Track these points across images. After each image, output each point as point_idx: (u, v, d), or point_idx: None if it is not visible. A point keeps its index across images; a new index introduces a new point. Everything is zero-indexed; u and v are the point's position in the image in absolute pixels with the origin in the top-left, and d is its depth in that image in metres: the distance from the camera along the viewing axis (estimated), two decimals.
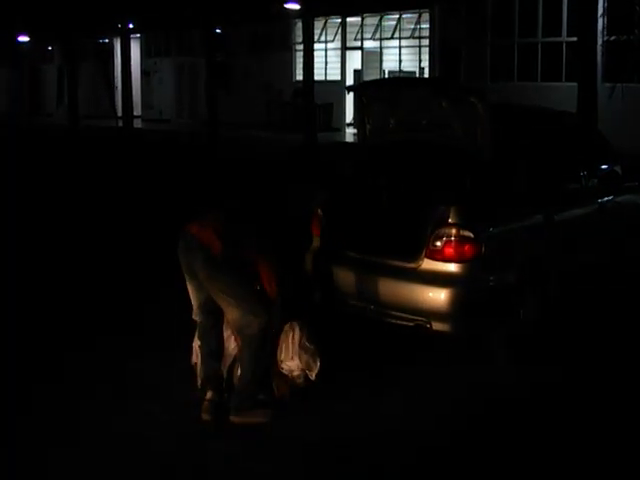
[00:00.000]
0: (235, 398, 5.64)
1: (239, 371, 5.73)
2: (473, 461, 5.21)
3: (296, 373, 5.73)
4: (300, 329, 5.72)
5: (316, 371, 5.71)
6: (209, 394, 5.73)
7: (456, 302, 6.24)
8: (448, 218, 6.28)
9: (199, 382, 5.90)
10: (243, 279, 5.58)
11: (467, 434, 5.56)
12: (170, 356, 6.69)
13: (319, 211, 7.34)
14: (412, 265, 6.40)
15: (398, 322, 6.49)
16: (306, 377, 5.77)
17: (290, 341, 5.70)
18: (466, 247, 6.26)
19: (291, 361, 5.68)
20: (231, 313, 5.61)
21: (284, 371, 5.72)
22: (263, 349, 5.59)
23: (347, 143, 26.21)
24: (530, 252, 6.85)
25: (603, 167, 8.42)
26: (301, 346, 5.67)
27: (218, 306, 5.71)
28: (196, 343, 6.07)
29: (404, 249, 6.50)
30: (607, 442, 5.42)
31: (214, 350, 5.87)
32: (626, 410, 5.90)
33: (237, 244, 5.54)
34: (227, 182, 15.31)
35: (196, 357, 6.05)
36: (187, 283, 5.84)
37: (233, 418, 5.58)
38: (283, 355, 5.72)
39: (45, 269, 9.85)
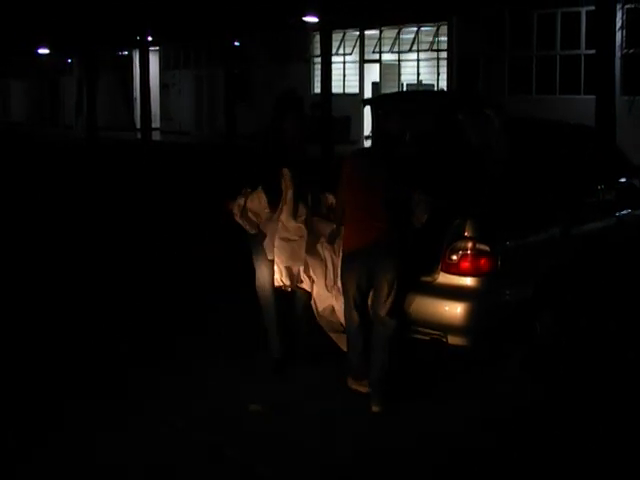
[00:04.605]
0: (377, 388, 6.03)
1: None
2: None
3: None
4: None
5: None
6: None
7: (472, 316, 6.20)
8: (464, 231, 6.25)
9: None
10: None
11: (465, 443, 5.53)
12: (186, 365, 6.69)
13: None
14: (428, 279, 6.38)
15: (414, 336, 6.45)
16: None
17: None
18: (482, 261, 6.22)
19: None
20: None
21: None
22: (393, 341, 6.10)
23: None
24: (547, 266, 6.81)
25: (621, 180, 8.38)
26: None
27: None
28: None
29: (420, 263, 6.47)
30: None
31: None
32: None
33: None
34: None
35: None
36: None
37: (375, 408, 5.99)
38: None
39: (58, 282, 9.88)
